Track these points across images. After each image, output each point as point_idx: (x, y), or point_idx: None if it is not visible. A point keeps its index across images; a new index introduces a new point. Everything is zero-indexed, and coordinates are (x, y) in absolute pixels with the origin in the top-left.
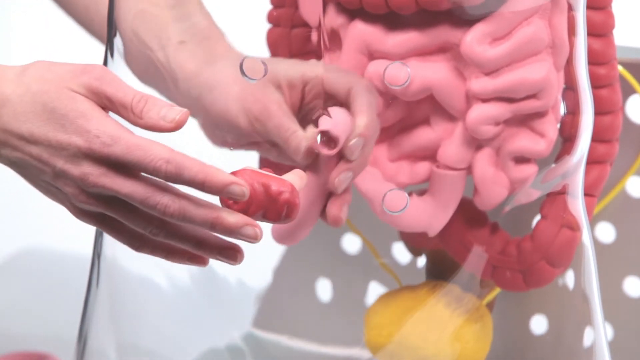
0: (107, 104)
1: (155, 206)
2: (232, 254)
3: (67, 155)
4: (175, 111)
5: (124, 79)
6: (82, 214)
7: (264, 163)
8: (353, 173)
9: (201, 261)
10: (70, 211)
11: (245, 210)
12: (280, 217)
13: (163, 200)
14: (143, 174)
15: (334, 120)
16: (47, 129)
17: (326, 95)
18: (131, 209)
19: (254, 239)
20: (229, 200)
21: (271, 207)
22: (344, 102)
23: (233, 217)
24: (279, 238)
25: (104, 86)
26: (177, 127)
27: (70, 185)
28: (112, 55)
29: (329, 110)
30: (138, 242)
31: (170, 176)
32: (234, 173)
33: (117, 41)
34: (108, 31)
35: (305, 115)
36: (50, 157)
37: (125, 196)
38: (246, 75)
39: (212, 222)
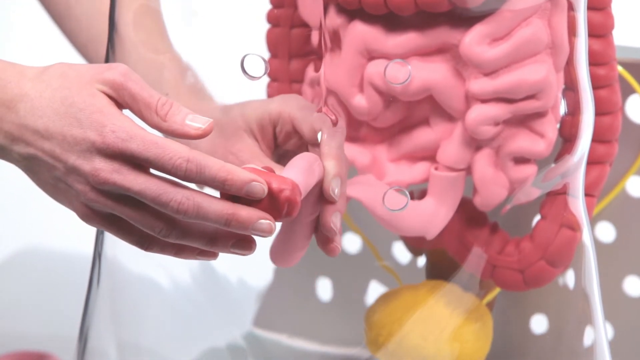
0: (129, 101)
1: (168, 203)
2: (246, 245)
3: (80, 151)
4: (202, 120)
5: None
6: (90, 216)
7: None
8: (340, 212)
9: (211, 255)
10: (78, 213)
11: None
12: (281, 214)
13: (177, 197)
14: (153, 170)
15: (295, 167)
16: (63, 123)
17: (298, 134)
18: (142, 207)
19: (268, 232)
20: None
21: (272, 205)
22: (311, 142)
23: (246, 212)
24: (274, 259)
25: (129, 83)
26: (202, 135)
27: (81, 182)
28: (113, 51)
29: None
30: (147, 242)
31: (190, 175)
32: None
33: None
34: (109, 29)
35: (282, 154)
36: (63, 152)
37: (137, 193)
38: (247, 74)
39: (227, 218)
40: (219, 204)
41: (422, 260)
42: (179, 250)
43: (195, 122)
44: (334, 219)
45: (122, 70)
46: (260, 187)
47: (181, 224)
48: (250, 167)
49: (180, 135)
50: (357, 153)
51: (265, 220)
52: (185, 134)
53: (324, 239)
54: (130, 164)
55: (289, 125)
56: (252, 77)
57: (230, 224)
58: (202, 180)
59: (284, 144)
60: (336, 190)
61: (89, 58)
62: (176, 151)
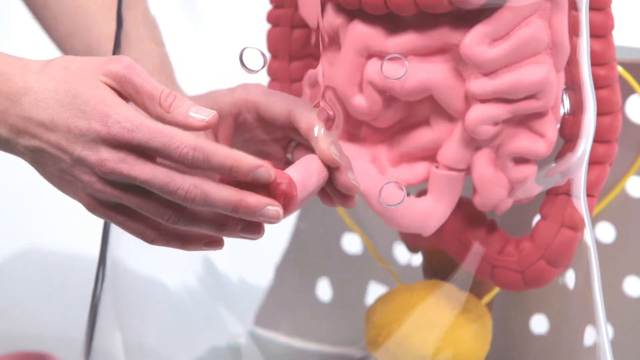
0: (132, 93)
1: (175, 191)
2: (255, 228)
3: (85, 142)
4: (206, 112)
5: None
6: (96, 207)
7: None
8: (350, 169)
9: (217, 244)
10: (84, 204)
11: None
12: None
13: (184, 185)
14: (159, 159)
15: (294, 168)
16: (68, 115)
17: (264, 121)
18: (149, 195)
19: (275, 219)
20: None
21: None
22: (284, 125)
23: (254, 198)
24: None
25: (132, 75)
26: (206, 126)
27: (87, 172)
28: (119, 48)
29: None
30: (153, 234)
31: (196, 163)
32: None
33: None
34: (117, 26)
35: (247, 140)
36: (69, 144)
37: (144, 182)
38: (245, 67)
39: (235, 205)
40: (226, 191)
41: (417, 258)
42: (185, 242)
43: (199, 114)
44: (350, 176)
45: (126, 62)
46: (266, 171)
47: (189, 210)
48: None
49: (184, 127)
50: (357, 153)
51: (273, 207)
52: (189, 126)
53: (344, 196)
54: (136, 153)
55: (254, 113)
56: (250, 71)
57: (238, 210)
58: (209, 167)
59: (247, 133)
60: (337, 154)
61: (66, 52)
62: (182, 139)
